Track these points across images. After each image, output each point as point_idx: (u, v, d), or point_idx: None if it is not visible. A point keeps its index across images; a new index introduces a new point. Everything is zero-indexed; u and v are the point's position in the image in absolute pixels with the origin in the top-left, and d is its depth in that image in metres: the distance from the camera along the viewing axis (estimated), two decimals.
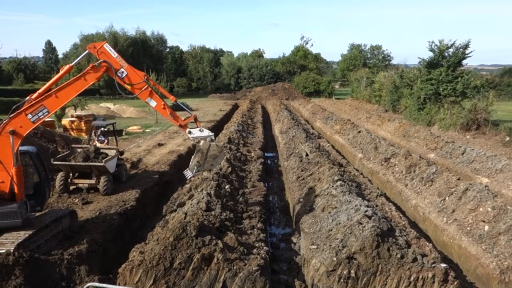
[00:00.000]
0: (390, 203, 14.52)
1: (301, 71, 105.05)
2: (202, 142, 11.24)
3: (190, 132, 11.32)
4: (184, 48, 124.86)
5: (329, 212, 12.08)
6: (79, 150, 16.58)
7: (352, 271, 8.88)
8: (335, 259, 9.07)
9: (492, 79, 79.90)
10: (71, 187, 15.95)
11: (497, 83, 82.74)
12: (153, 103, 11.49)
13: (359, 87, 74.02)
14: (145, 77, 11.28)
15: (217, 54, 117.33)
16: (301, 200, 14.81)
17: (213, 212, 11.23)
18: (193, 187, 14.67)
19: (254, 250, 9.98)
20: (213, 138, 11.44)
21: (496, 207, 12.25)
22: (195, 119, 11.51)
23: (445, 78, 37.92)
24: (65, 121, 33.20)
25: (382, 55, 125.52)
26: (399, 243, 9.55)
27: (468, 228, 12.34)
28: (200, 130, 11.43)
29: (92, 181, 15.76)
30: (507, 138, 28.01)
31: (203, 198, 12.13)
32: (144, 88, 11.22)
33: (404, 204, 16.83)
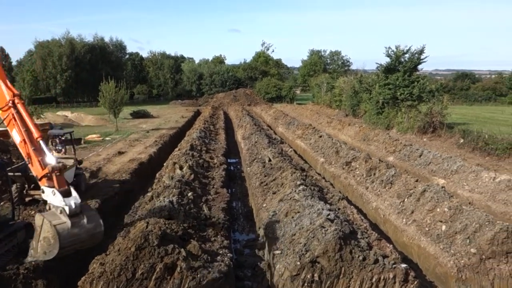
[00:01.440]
0: (352, 206, 14.75)
1: (262, 77, 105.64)
2: (37, 215, 8.24)
3: (43, 192, 8.23)
4: (144, 54, 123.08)
5: (292, 217, 12.15)
6: None
7: (315, 275, 8.95)
8: (298, 263, 9.12)
9: (446, 84, 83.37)
10: (27, 199, 15.34)
11: (451, 87, 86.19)
12: (16, 138, 8.65)
13: (319, 92, 75.25)
14: (13, 99, 8.64)
15: (178, 61, 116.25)
16: (264, 205, 14.84)
17: (175, 220, 11.07)
18: (155, 195, 14.42)
19: (218, 257, 9.89)
20: (68, 210, 7.87)
21: (452, 207, 12.65)
22: (54, 171, 8.08)
23: (402, 83, 39.11)
24: None
25: (342, 61, 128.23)
26: (361, 245, 9.71)
27: (427, 229, 12.69)
28: (52, 192, 8.01)
29: None
30: (461, 140, 29.14)
31: (165, 206, 11.93)
32: (6, 115, 8.65)
33: (365, 206, 17.14)
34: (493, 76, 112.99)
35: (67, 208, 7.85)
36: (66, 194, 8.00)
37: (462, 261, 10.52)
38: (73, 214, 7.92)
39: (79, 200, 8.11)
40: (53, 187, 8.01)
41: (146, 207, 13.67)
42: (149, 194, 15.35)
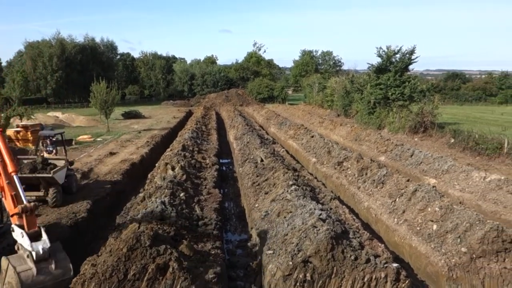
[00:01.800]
0: (344, 206, 14.80)
1: (254, 77, 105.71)
2: (3, 258, 7.76)
3: (13, 230, 7.91)
4: (136, 55, 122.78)
5: (285, 217, 12.17)
6: (25, 161, 15.89)
7: (308, 275, 8.97)
8: (291, 263, 9.14)
9: (437, 84, 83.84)
10: None
11: (441, 87, 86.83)
12: None
13: (311, 93, 75.42)
14: None
15: (170, 61, 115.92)
16: (256, 205, 14.84)
17: (167, 221, 11.05)
18: (147, 196, 14.38)
19: (211, 258, 9.90)
20: (35, 256, 7.42)
21: (443, 207, 12.74)
22: (25, 211, 7.68)
23: (393, 83, 39.30)
24: (10, 132, 31.71)
25: (333, 61, 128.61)
26: (352, 245, 9.76)
27: (418, 228, 12.77)
28: (21, 234, 7.63)
29: (40, 193, 15.09)
30: (452, 140, 29.34)
31: (157, 207, 11.90)
32: None
33: (357, 206, 17.20)
34: (483, 76, 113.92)
35: (34, 254, 7.43)
36: (35, 237, 7.60)
37: (453, 260, 10.59)
38: (41, 259, 7.50)
39: (48, 245, 7.68)
40: (23, 227, 7.65)
41: (138, 208, 13.63)
42: (141, 194, 15.32)
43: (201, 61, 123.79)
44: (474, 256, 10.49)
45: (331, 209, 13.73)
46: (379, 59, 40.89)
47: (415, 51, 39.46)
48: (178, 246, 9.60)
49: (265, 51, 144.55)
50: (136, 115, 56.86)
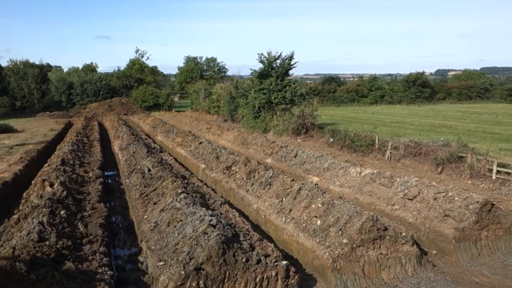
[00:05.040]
0: (234, 210, 14.98)
1: (138, 85, 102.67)
2: None
3: None
4: (3, 63, 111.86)
5: (175, 226, 11.98)
6: None
7: (201, 282, 8.93)
8: (183, 272, 9.01)
9: (315, 87, 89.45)
10: None
11: (319, 90, 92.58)
12: None
13: (198, 99, 75.54)
14: None
15: (44, 69, 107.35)
16: (145, 217, 14.41)
17: (47, 242, 10.22)
18: (22, 217, 13.16)
19: (98, 276, 9.35)
20: None
21: (325, 203, 13.52)
22: None
23: (275, 87, 40.96)
24: None
25: (218, 67, 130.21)
26: (243, 247, 9.92)
27: (304, 225, 13.39)
28: None
29: None
30: (331, 140, 31.40)
31: (34, 228, 10.94)
32: None
33: (247, 209, 17.55)
34: (355, 79, 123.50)
35: None
36: None
37: (336, 251, 11.28)
38: None
39: None
40: None
41: (12, 231, 12.44)
42: (15, 216, 14.01)
43: (80, 69, 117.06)
44: (354, 245, 11.30)
45: (221, 214, 13.83)
46: (261, 65, 42.34)
47: (293, 57, 41.64)
48: (60, 268, 8.93)
49: (148, 58, 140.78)
50: (7, 129, 51.78)
